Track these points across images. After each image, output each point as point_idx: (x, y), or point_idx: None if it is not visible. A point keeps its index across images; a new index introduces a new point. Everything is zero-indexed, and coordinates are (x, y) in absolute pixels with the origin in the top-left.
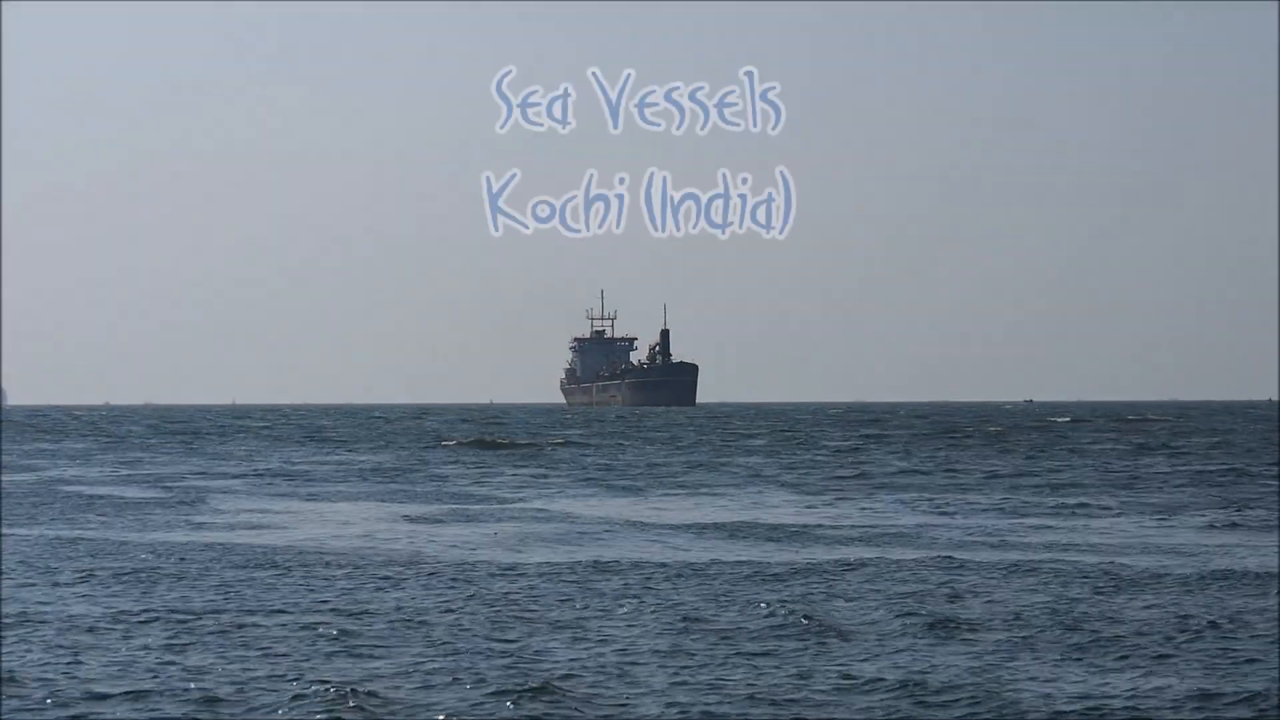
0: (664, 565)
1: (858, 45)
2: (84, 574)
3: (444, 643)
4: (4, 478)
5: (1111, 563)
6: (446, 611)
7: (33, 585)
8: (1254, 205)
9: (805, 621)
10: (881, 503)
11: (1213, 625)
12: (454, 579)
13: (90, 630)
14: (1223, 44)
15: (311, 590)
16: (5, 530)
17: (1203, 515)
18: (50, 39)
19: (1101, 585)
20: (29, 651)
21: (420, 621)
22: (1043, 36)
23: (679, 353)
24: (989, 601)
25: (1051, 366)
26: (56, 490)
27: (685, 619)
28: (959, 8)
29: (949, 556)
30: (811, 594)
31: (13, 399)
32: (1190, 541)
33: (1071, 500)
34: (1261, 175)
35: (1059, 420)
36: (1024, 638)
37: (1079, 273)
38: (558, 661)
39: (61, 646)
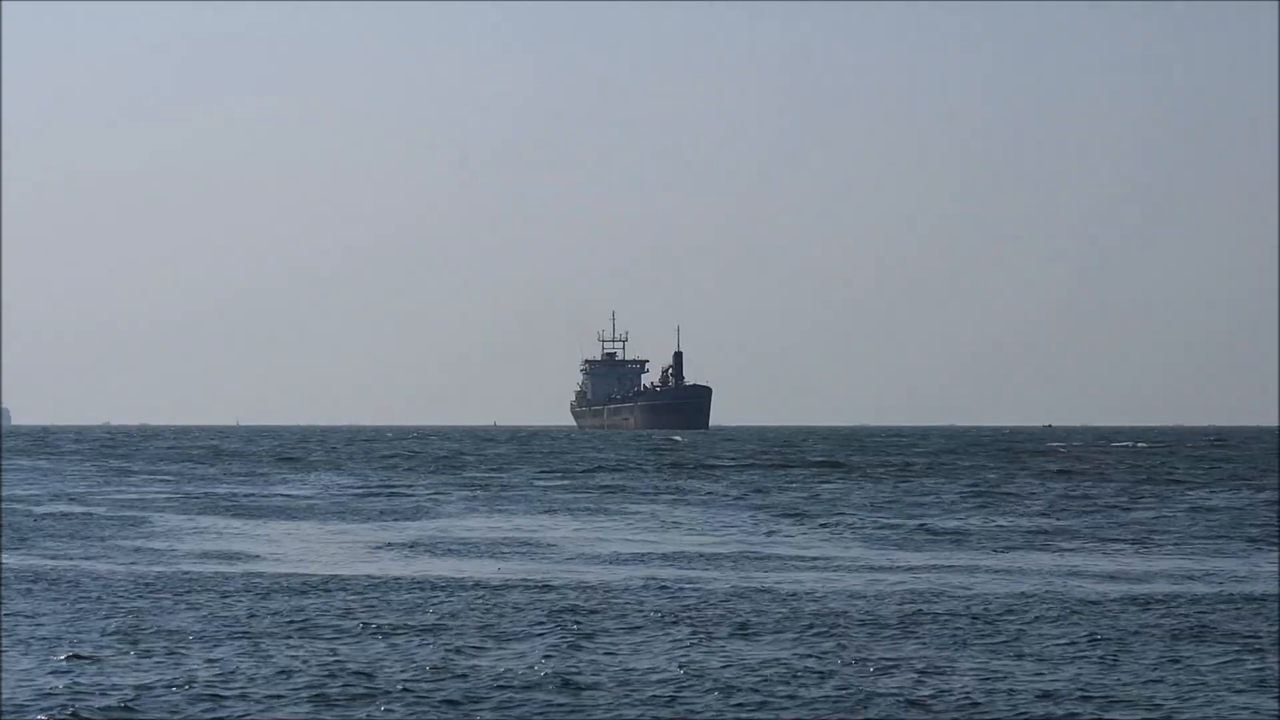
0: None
1: (866, 48)
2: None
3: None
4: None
5: None
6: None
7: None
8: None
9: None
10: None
11: None
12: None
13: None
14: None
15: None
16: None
17: None
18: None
19: None
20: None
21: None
22: (1049, 40)
23: (691, 375)
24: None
25: (1069, 390)
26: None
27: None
28: (963, 7)
29: None
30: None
31: (16, 419)
32: None
33: None
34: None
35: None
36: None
37: (1099, 296)
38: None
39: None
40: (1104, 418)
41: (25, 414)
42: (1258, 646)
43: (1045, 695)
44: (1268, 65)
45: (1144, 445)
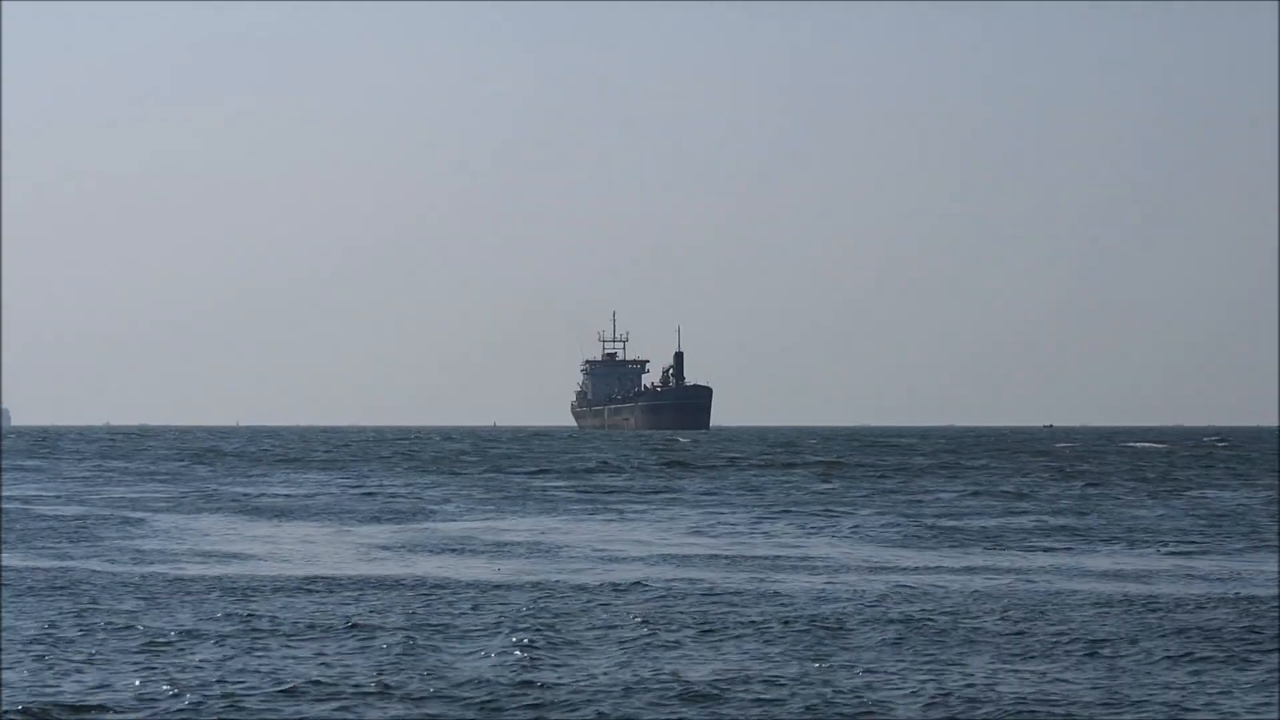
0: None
1: (866, 48)
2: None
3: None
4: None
5: None
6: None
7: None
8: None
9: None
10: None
11: None
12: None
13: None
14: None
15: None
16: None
17: None
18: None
19: None
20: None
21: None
22: (1049, 40)
23: (691, 375)
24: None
25: (1070, 390)
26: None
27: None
28: (963, 7)
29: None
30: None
31: (16, 419)
32: None
33: None
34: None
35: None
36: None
37: (1099, 296)
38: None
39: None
40: (1104, 418)
41: (25, 414)
42: (1258, 646)
43: (1047, 695)
44: (1268, 65)
45: (1144, 445)
